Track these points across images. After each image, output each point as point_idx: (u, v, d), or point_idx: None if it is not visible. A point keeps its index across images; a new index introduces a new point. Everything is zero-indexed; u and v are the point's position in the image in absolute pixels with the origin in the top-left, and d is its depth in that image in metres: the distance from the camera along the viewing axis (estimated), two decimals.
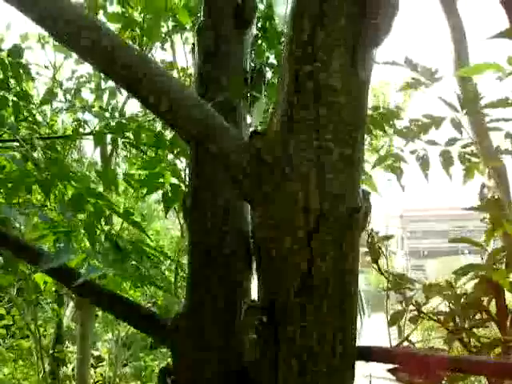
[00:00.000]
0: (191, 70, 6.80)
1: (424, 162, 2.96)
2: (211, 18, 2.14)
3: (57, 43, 6.06)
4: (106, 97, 5.49)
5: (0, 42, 6.07)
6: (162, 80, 1.43)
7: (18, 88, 3.06)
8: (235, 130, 1.51)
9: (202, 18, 2.17)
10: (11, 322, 6.78)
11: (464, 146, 3.01)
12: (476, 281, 2.15)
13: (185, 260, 6.03)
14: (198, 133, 1.43)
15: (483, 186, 6.89)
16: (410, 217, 21.24)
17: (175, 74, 6.05)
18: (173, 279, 6.10)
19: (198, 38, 2.14)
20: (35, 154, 2.89)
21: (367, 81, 1.46)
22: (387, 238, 2.89)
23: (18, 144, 2.83)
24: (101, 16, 5.04)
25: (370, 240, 2.07)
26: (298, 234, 1.40)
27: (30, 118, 3.16)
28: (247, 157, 1.43)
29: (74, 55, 5.86)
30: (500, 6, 2.55)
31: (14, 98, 3.04)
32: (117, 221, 5.06)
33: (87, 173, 3.55)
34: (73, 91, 5.15)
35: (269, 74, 5.98)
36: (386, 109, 2.74)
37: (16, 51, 2.97)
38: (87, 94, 5.49)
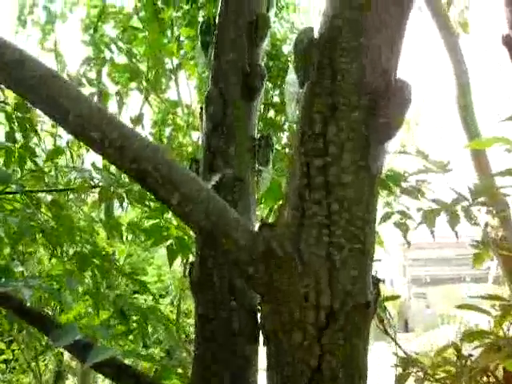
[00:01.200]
0: (194, 105, 6.84)
1: (430, 220, 2.95)
2: (219, 87, 2.14)
3: None
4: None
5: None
6: (174, 172, 1.42)
7: (24, 141, 3.06)
8: (245, 220, 1.50)
9: (209, 86, 2.18)
10: (11, 357, 6.71)
11: (471, 205, 3.01)
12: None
13: (187, 298, 6.00)
14: (210, 228, 1.42)
15: (486, 224, 6.86)
16: (412, 244, 21.09)
17: (180, 111, 6.08)
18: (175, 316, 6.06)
19: (206, 106, 2.15)
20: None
21: (379, 173, 1.45)
22: (394, 297, 2.88)
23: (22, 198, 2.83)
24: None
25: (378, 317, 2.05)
26: (308, 331, 1.39)
27: (35, 169, 3.15)
28: (257, 250, 1.42)
29: None
30: (502, 46, 2.56)
31: (20, 150, 3.04)
32: (119, 255, 5.05)
33: (92, 217, 3.53)
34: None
35: (271, 113, 6.03)
36: (393, 171, 2.74)
37: (23, 105, 2.98)
38: None
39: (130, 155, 1.40)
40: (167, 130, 5.96)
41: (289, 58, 5.73)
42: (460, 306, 2.40)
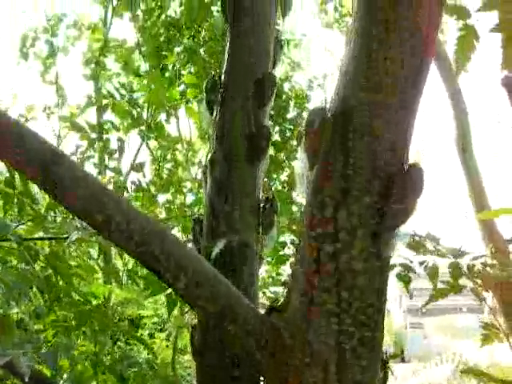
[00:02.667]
0: (194, 140, 6.83)
1: (433, 272, 2.93)
2: (223, 148, 2.12)
3: (62, 113, 6.09)
4: (108, 172, 5.51)
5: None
6: (181, 255, 1.39)
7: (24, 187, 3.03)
8: (251, 307, 1.46)
9: (213, 147, 2.16)
10: None
11: (475, 258, 2.99)
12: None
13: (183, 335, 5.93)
14: (217, 312, 1.38)
15: (485, 265, 6.83)
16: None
17: (180, 146, 6.07)
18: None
19: (210, 168, 2.12)
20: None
21: (389, 257, 1.42)
22: (395, 356, 2.84)
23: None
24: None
25: None
26: None
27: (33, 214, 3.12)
28: (265, 337, 1.38)
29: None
30: (501, 88, 2.54)
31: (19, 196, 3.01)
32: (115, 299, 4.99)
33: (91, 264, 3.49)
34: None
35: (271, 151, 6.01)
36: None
37: None
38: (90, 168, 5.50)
39: (137, 238, 1.36)
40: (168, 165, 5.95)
41: (290, 95, 5.75)
42: (464, 371, 2.37)
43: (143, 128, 4.79)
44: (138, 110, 4.93)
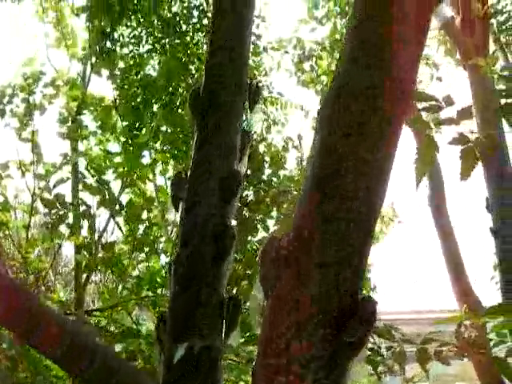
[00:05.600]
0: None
1: (400, 357, 2.94)
2: (188, 249, 2.13)
3: (37, 171, 6.08)
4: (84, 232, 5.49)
5: None
6: None
7: None
8: None
9: (178, 245, 2.17)
10: None
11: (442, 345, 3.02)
12: None
13: None
14: None
15: (460, 325, 6.86)
16: (388, 320, 21.01)
17: (156, 212, 6.07)
18: None
19: (174, 268, 2.13)
20: None
21: None
22: None
23: None
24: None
25: None
26: None
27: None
28: None
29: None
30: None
31: None
32: None
33: None
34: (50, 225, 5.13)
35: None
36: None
37: None
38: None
39: None
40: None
41: (265, 159, 5.79)
42: None
43: (114, 206, 4.80)
44: (109, 187, 4.95)
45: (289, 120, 7.42)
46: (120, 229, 5.60)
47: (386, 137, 1.44)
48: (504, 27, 8.69)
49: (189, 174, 2.27)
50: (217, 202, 2.18)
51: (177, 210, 2.26)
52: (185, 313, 2.06)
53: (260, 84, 2.50)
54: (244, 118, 2.42)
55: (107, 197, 4.35)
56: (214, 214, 2.16)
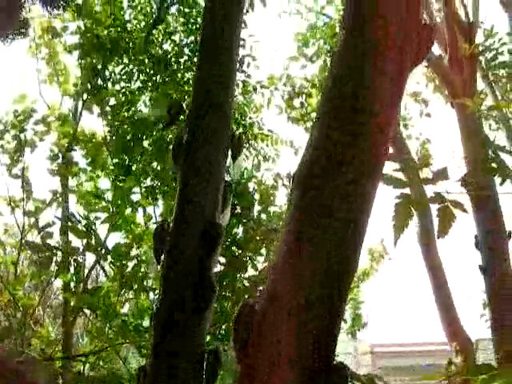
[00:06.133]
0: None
1: None
2: (169, 300, 2.14)
3: (27, 207, 6.09)
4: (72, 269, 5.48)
5: None
6: None
7: None
8: None
9: (159, 299, 2.18)
10: None
11: None
12: None
13: None
14: None
15: (450, 362, 6.86)
16: (380, 353, 20.96)
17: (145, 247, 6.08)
18: None
19: (156, 319, 2.14)
20: None
21: None
22: None
23: None
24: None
25: None
26: None
27: None
28: None
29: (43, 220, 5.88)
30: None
31: None
32: None
33: None
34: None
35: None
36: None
37: None
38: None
39: None
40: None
41: (255, 197, 5.83)
42: None
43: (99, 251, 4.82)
44: (96, 232, 4.97)
45: (280, 156, 7.48)
46: (105, 273, 5.60)
47: None
48: (492, 64, 8.80)
49: (171, 226, 2.28)
50: (197, 254, 2.20)
51: (158, 263, 2.28)
52: (164, 364, 2.07)
53: (243, 136, 2.53)
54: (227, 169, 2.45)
55: (94, 241, 4.38)
56: (194, 266, 2.18)
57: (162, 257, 2.27)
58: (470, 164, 6.73)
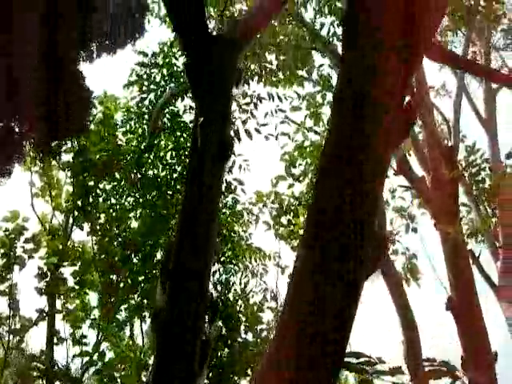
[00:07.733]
0: None
1: None
2: None
3: (13, 326, 6.06)
4: None
5: None
6: None
7: None
8: None
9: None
10: None
11: None
12: None
13: None
14: None
15: None
16: None
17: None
18: None
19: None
20: None
21: None
22: None
23: None
24: None
25: None
26: None
27: None
28: None
29: None
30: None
31: None
32: None
33: None
34: None
35: None
36: None
37: None
38: None
39: None
40: None
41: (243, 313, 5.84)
42: None
43: None
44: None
45: (268, 271, 7.51)
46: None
47: None
48: (475, 180, 8.98)
49: None
50: None
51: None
52: None
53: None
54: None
55: None
56: None
57: None
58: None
